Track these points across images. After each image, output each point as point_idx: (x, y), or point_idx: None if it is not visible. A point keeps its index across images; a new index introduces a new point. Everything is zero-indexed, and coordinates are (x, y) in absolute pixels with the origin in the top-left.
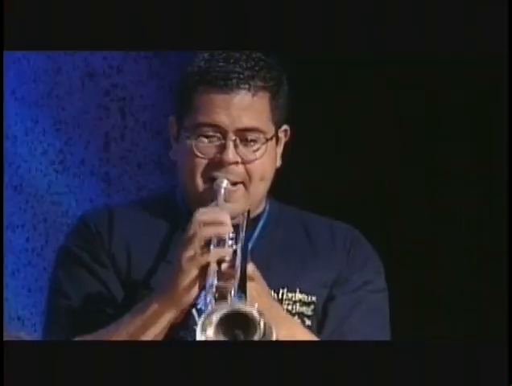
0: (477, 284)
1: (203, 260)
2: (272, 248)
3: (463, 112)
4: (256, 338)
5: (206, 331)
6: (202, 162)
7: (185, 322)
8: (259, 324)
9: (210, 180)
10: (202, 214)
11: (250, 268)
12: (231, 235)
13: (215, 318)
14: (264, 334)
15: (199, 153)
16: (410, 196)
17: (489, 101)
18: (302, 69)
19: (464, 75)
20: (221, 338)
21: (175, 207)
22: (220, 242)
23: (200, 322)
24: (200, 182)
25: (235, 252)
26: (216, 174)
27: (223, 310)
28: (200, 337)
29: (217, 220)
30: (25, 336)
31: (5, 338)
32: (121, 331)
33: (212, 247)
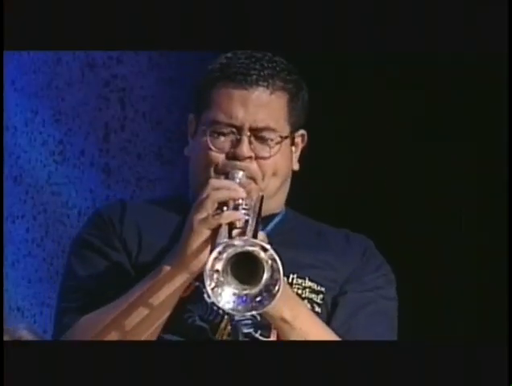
0: (477, 284)
1: (215, 222)
2: (282, 243)
3: (463, 112)
4: (265, 275)
5: (215, 265)
6: (217, 156)
7: (193, 297)
8: (267, 262)
9: (224, 174)
10: (216, 180)
11: (261, 235)
12: (244, 206)
13: (225, 255)
14: (272, 269)
15: (214, 148)
16: (410, 196)
17: (489, 101)
18: (302, 69)
19: (464, 75)
20: (228, 275)
21: (187, 205)
22: (234, 208)
23: (212, 255)
24: (213, 176)
25: (247, 221)
26: (230, 168)
27: (233, 248)
28: (209, 265)
29: (231, 186)
30: (26, 335)
31: (4, 338)
32: (132, 298)
33: (225, 209)
